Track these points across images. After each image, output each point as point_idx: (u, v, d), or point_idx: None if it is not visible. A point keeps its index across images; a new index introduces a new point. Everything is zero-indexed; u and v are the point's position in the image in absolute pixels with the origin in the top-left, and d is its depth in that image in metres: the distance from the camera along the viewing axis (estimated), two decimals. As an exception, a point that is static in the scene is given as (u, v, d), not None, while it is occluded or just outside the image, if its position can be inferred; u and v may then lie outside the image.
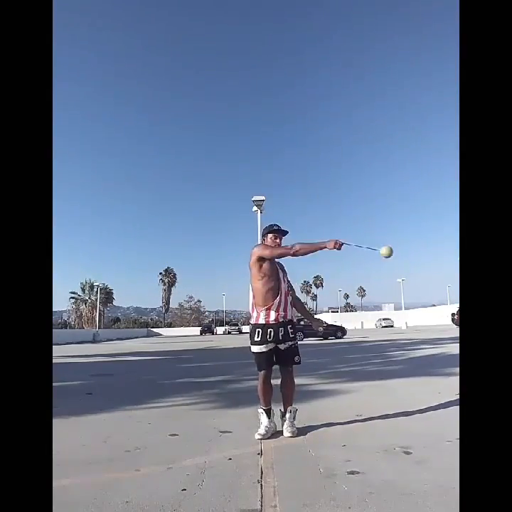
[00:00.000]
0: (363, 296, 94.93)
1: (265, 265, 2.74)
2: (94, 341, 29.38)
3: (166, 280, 60.74)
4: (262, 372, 2.74)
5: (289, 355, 2.74)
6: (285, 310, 2.75)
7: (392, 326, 44.03)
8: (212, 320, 64.04)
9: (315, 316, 3.50)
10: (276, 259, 2.83)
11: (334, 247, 2.52)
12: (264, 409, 2.74)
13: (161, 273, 61.22)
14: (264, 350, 2.70)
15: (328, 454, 2.26)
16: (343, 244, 2.54)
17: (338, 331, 19.91)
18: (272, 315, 2.71)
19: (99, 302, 43.54)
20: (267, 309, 2.71)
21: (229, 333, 45.28)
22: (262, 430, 2.66)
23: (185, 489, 1.81)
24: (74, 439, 2.74)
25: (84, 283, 48.84)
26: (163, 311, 64.62)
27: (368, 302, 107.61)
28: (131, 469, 2.11)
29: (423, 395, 3.90)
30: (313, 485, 1.83)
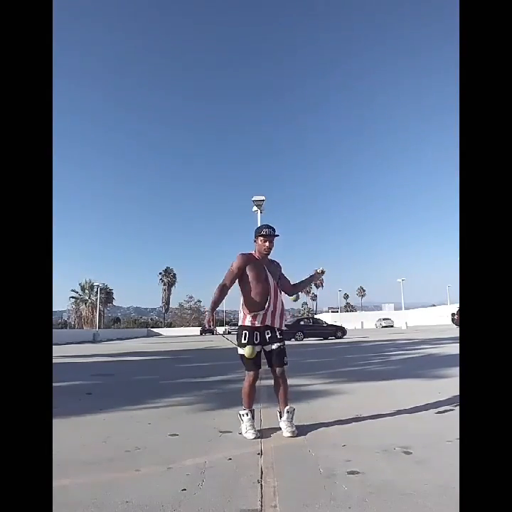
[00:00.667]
0: (363, 296, 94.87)
1: (247, 273, 2.75)
2: (94, 341, 29.38)
3: (166, 280, 60.80)
4: (250, 372, 2.74)
5: (278, 356, 2.74)
6: (272, 320, 2.75)
7: (392, 326, 44.07)
8: (212, 320, 63.80)
9: (310, 276, 3.13)
10: (268, 257, 2.84)
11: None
12: (247, 411, 2.74)
13: (160, 273, 61.30)
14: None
15: (328, 454, 2.26)
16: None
17: (338, 330, 19.92)
18: (259, 319, 2.73)
19: (99, 302, 43.57)
20: (253, 316, 2.74)
21: (229, 333, 45.22)
22: (250, 432, 2.65)
23: (185, 489, 1.81)
24: (74, 439, 2.74)
25: (84, 283, 48.90)
26: (163, 311, 64.66)
27: (367, 302, 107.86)
28: (131, 469, 2.11)
29: (423, 395, 3.89)
30: (313, 485, 1.83)
